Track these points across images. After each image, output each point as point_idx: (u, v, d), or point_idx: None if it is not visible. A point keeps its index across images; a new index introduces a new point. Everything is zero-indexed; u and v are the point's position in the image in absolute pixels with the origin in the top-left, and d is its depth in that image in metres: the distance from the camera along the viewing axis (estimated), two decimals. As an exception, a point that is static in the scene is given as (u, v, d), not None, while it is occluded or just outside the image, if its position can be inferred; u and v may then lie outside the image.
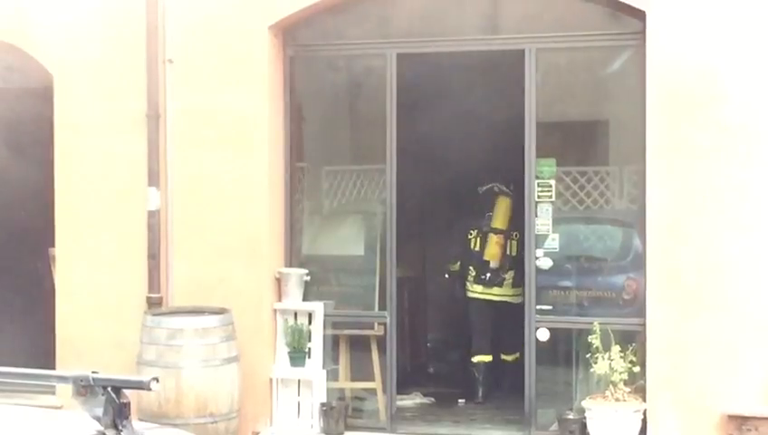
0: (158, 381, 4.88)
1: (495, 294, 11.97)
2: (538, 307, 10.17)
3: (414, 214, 12.28)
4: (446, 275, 12.45)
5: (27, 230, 11.82)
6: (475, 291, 12.00)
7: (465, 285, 12.09)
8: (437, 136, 12.15)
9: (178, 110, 10.61)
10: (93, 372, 4.89)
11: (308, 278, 10.65)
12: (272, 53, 10.55)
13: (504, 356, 12.13)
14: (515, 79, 10.22)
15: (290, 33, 10.73)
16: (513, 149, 10.34)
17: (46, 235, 11.10)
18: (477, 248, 11.97)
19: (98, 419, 4.83)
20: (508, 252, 11.83)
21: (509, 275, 11.86)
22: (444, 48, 10.49)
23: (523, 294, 10.49)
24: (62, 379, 4.95)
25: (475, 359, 12.00)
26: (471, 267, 11.98)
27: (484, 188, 12.00)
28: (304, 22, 10.66)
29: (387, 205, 10.56)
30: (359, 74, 10.93)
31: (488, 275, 11.92)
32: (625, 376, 9.55)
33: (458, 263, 12.14)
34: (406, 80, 10.52)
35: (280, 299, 10.60)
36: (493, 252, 11.86)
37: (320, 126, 11.45)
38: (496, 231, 11.87)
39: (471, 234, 12.01)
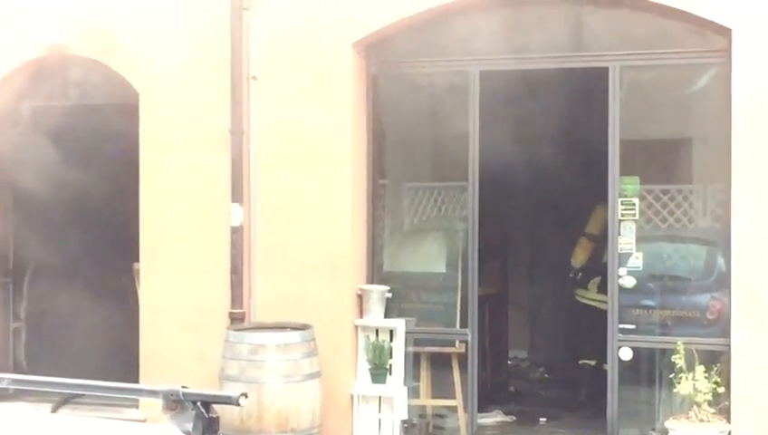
0: (246, 396, 4.91)
1: (578, 295, 12.00)
2: (621, 326, 10.10)
3: (495, 231, 12.23)
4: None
5: (112, 245, 11.95)
6: (583, 296, 12.12)
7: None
8: (519, 153, 12.10)
9: (262, 126, 10.68)
10: (183, 387, 4.93)
11: (389, 295, 10.67)
12: (355, 70, 10.59)
13: (583, 361, 12.12)
14: (599, 96, 10.17)
15: (373, 51, 10.77)
16: (596, 166, 10.29)
17: (131, 250, 11.22)
18: (577, 257, 12.10)
19: (187, 433, 4.86)
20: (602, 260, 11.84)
21: (595, 280, 11.81)
22: (527, 66, 10.46)
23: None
24: (153, 393, 4.99)
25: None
26: (575, 275, 12.10)
27: None
28: (387, 39, 10.69)
29: (468, 222, 10.55)
30: (441, 91, 10.91)
31: (574, 275, 12.02)
32: (709, 397, 9.44)
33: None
34: (488, 96, 10.51)
35: (361, 316, 10.63)
36: (579, 255, 11.91)
37: (401, 143, 11.46)
38: (589, 236, 11.86)
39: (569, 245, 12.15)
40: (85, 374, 5.58)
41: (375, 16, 10.45)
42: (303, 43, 10.57)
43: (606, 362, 10.26)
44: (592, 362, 11.97)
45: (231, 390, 9.51)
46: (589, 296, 11.97)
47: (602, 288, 11.24)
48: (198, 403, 4.85)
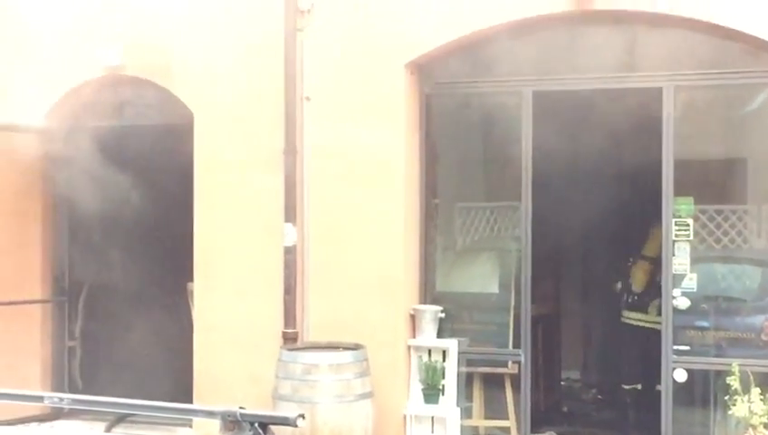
0: (304, 417, 4.93)
1: (636, 319, 11.93)
2: (675, 347, 10.05)
3: (547, 251, 12.21)
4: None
5: (166, 265, 12.03)
6: (623, 316, 12.05)
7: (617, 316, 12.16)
8: (572, 173, 12.10)
9: (315, 146, 10.73)
10: (241, 408, 4.96)
11: (442, 315, 10.68)
12: (408, 91, 10.63)
13: (628, 386, 12.10)
14: (652, 116, 10.14)
15: (426, 71, 10.80)
16: (650, 187, 10.25)
17: (185, 270, 11.30)
18: (630, 279, 12.05)
19: (245, 454, 4.90)
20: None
21: (654, 303, 11.76)
22: (580, 86, 10.44)
23: None
24: (210, 414, 5.03)
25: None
26: (628, 296, 12.06)
27: None
28: (440, 60, 10.71)
29: (521, 242, 10.54)
30: (494, 111, 10.91)
31: (632, 298, 11.95)
32: (765, 419, 9.35)
33: (619, 283, 12.21)
34: (541, 116, 10.50)
35: (414, 336, 10.64)
36: (638, 277, 11.88)
37: (454, 162, 11.48)
38: (646, 258, 11.83)
39: (623, 267, 12.07)
40: (139, 394, 5.63)
41: (428, 37, 10.48)
42: (357, 64, 10.62)
43: (658, 384, 10.21)
44: (637, 386, 11.94)
45: (284, 410, 9.57)
46: (649, 320, 11.89)
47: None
48: (256, 424, 4.89)
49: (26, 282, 12.08)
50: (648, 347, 11.21)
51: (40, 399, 5.89)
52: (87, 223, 11.85)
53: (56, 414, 11.62)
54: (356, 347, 10.10)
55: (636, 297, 12.08)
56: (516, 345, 10.62)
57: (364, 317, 10.46)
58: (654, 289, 11.76)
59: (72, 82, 11.69)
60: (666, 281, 10.12)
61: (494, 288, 11.05)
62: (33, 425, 11.61)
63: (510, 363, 10.70)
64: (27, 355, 12.06)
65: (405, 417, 10.53)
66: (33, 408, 11.16)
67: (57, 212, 12.26)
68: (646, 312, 11.95)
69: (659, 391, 10.20)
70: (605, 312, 12.99)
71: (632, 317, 12.12)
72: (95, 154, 11.21)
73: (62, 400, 5.45)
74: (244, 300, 10.89)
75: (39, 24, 11.75)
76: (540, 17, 10.21)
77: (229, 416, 4.93)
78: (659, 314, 11.39)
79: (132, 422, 11.33)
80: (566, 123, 11.14)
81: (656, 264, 11.68)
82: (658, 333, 10.33)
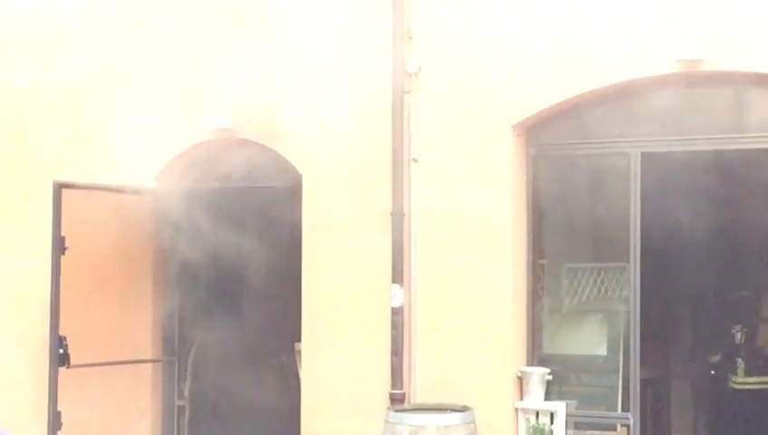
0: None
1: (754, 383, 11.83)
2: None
3: (656, 313, 12.09)
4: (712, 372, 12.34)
5: (275, 325, 12.12)
6: (749, 383, 11.84)
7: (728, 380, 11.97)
8: (681, 235, 11.97)
9: (422, 208, 10.78)
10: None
11: (550, 377, 10.61)
12: (515, 152, 10.65)
13: None
14: (763, 178, 10.03)
15: (533, 133, 10.82)
16: (762, 250, 10.14)
17: (293, 330, 11.37)
18: (743, 341, 11.86)
19: None
20: None
21: None
22: (689, 147, 10.36)
23: None
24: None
25: None
26: (739, 360, 11.85)
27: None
28: (547, 121, 10.73)
29: (630, 303, 10.46)
30: (601, 173, 10.84)
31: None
32: None
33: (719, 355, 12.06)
34: (649, 178, 10.44)
35: (521, 398, 10.57)
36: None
37: (560, 223, 11.42)
38: None
39: (735, 328, 11.87)
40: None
41: (535, 98, 10.50)
42: (464, 125, 10.66)
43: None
44: None
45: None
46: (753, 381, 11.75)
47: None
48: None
49: (137, 341, 12.23)
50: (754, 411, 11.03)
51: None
52: (196, 283, 12.00)
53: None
54: (463, 409, 10.07)
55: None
56: (625, 408, 10.51)
57: (471, 379, 10.43)
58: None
59: (183, 145, 11.88)
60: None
61: (603, 350, 10.94)
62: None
63: (619, 427, 10.57)
64: (138, 414, 12.20)
65: (512, 480, 10.47)
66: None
67: (167, 273, 12.41)
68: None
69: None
70: (715, 375, 12.79)
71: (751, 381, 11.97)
72: (205, 215, 11.38)
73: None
74: (351, 361, 10.93)
75: (150, 88, 12.01)
76: (646, 79, 10.17)
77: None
78: None
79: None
80: (675, 184, 11.06)
81: None
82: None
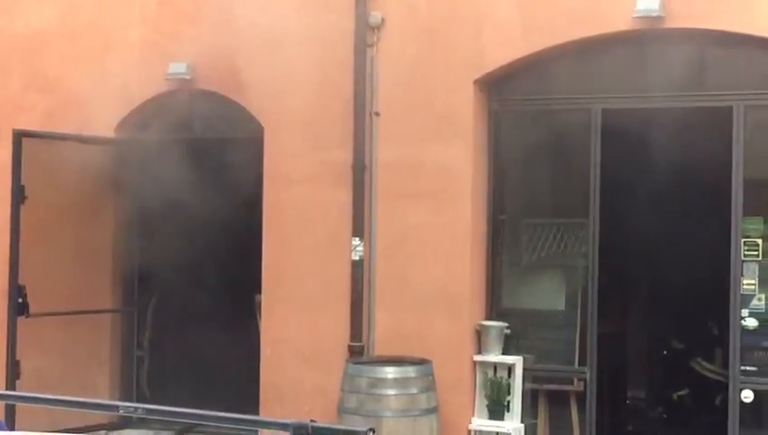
0: (374, 431, 4.95)
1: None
2: (742, 368, 9.99)
3: (615, 269, 12.17)
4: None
5: (234, 277, 12.13)
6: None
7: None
8: (640, 191, 12.05)
9: (384, 162, 10.80)
10: (312, 422, 4.99)
11: (508, 331, 10.67)
12: (476, 107, 10.67)
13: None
14: (722, 135, 10.10)
15: (495, 88, 10.83)
16: (719, 206, 10.21)
17: (253, 282, 11.39)
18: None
19: (314, 467, 4.92)
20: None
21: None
22: (649, 104, 10.42)
23: None
24: (282, 426, 5.06)
25: None
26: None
27: None
28: (509, 76, 10.75)
29: (588, 259, 10.54)
30: (562, 129, 10.90)
31: None
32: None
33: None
34: (609, 134, 10.49)
35: (480, 351, 10.65)
36: None
37: (521, 179, 11.46)
38: None
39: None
40: (204, 404, 5.67)
41: (497, 54, 10.52)
42: (426, 80, 10.68)
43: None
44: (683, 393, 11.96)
45: (350, 423, 9.62)
46: (710, 368, 11.94)
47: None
48: (327, 438, 4.92)
49: (96, 291, 12.23)
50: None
51: (115, 408, 5.96)
52: (157, 234, 11.97)
53: (124, 423, 11.74)
54: (421, 362, 10.15)
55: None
56: (582, 363, 10.61)
57: (430, 332, 10.50)
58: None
59: (144, 96, 11.84)
60: (734, 301, 10.06)
61: (561, 305, 11.03)
62: (102, 433, 11.74)
63: (575, 381, 10.69)
64: (96, 363, 12.21)
65: (469, 432, 10.55)
66: (99, 416, 11.28)
67: (127, 223, 12.39)
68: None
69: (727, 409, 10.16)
70: (672, 329, 12.92)
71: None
72: (166, 166, 11.32)
73: (136, 410, 5.52)
74: (311, 313, 10.97)
75: (111, 38, 11.94)
76: (609, 35, 10.20)
77: (301, 429, 4.95)
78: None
79: (199, 432, 11.43)
80: (635, 141, 11.12)
81: None
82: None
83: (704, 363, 12.19)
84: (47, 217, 11.63)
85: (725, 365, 10.86)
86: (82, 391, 11.47)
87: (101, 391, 12.08)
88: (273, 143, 11.21)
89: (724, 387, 10.22)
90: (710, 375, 12.00)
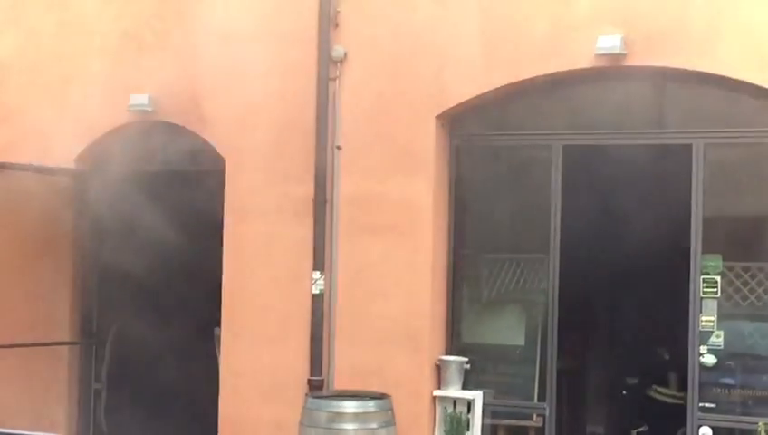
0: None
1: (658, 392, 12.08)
2: (701, 405, 10.02)
3: (574, 305, 12.21)
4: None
5: (194, 310, 12.08)
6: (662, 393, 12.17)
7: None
8: (600, 227, 12.10)
9: (345, 195, 10.80)
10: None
11: (468, 366, 10.68)
12: (438, 142, 10.69)
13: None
14: (682, 173, 10.16)
15: (456, 123, 10.87)
16: (678, 243, 10.27)
17: (212, 315, 11.35)
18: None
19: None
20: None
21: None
22: (610, 141, 10.47)
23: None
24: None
25: None
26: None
27: None
28: (471, 112, 10.78)
29: (548, 295, 10.56)
30: (523, 164, 10.96)
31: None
32: (790, 478, 9.34)
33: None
34: (570, 171, 10.55)
35: (439, 386, 10.63)
36: None
37: (482, 214, 11.47)
38: None
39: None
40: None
41: (459, 89, 10.56)
42: (388, 115, 10.70)
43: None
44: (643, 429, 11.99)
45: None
46: (668, 393, 11.97)
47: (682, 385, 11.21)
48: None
49: (55, 324, 12.15)
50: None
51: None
52: (116, 267, 11.91)
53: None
54: (381, 396, 10.12)
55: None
56: (541, 398, 10.62)
57: (390, 367, 10.50)
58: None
59: (104, 127, 11.82)
60: (692, 338, 10.10)
61: (521, 340, 11.03)
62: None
63: (535, 416, 10.68)
64: (54, 396, 12.12)
65: (429, 467, 10.55)
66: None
67: (86, 255, 12.33)
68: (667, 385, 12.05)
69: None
70: (631, 367, 12.95)
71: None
72: (126, 198, 11.29)
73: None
74: (270, 346, 10.94)
75: (72, 69, 11.91)
76: (570, 72, 10.26)
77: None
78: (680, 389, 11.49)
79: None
80: (595, 178, 11.18)
81: None
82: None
83: (660, 389, 12.20)
84: (5, 248, 11.55)
85: (681, 388, 10.96)
86: (39, 424, 11.37)
87: (58, 424, 11.98)
88: (235, 176, 11.19)
89: (682, 421, 10.22)
90: (668, 400, 12.00)
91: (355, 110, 10.82)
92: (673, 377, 12.09)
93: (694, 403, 10.04)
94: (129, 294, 11.99)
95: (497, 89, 10.48)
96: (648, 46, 9.93)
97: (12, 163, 11.57)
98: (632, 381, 12.77)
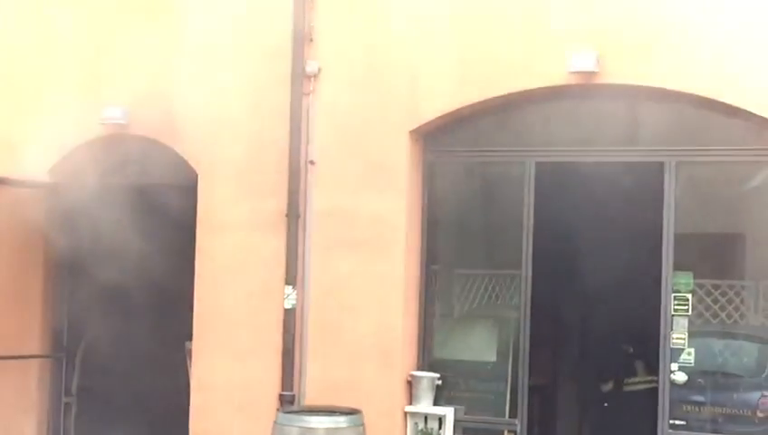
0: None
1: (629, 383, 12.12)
2: (671, 422, 10.05)
3: (546, 321, 12.22)
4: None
5: (165, 323, 12.04)
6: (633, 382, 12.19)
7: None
8: (572, 244, 12.14)
9: (318, 210, 10.80)
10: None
11: (439, 382, 10.68)
12: (411, 158, 10.71)
13: None
14: (653, 190, 10.20)
15: (430, 138, 10.88)
16: (650, 260, 10.30)
17: (184, 328, 11.31)
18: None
19: None
20: None
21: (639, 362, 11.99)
22: (582, 158, 10.51)
23: None
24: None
25: None
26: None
27: None
28: (444, 128, 10.80)
29: (520, 311, 10.58)
30: (496, 181, 10.98)
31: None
32: (759, 497, 9.37)
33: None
34: (543, 187, 10.58)
35: (411, 402, 10.63)
36: None
37: (454, 230, 11.48)
38: None
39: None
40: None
41: (432, 105, 10.59)
42: (361, 130, 10.72)
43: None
44: None
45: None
46: (638, 380, 11.97)
47: (649, 369, 11.26)
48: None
49: (25, 337, 12.11)
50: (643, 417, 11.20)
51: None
52: (87, 280, 11.87)
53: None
54: (352, 412, 10.10)
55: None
56: (513, 415, 10.62)
57: (361, 382, 10.49)
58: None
59: (78, 140, 11.78)
60: (663, 355, 10.13)
61: (492, 356, 11.04)
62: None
63: (506, 433, 10.67)
64: (24, 410, 12.06)
65: (399, 483, 10.53)
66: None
67: (57, 268, 12.29)
68: (635, 374, 12.06)
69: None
70: (602, 382, 12.97)
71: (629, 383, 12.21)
72: (98, 212, 11.26)
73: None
74: (242, 361, 10.92)
75: (45, 81, 11.88)
76: (544, 89, 10.29)
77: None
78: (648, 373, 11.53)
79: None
80: (568, 195, 11.21)
81: None
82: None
83: (629, 380, 12.24)
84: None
85: (649, 371, 11.02)
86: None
87: (27, 438, 11.94)
88: (207, 190, 11.19)
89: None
90: (641, 387, 12.01)
91: (328, 125, 10.83)
92: (639, 364, 12.13)
93: (664, 421, 10.06)
94: (100, 308, 11.93)
95: (471, 105, 10.50)
96: (620, 64, 9.97)
97: (-17, 175, 11.54)
98: (607, 387, 12.76)
